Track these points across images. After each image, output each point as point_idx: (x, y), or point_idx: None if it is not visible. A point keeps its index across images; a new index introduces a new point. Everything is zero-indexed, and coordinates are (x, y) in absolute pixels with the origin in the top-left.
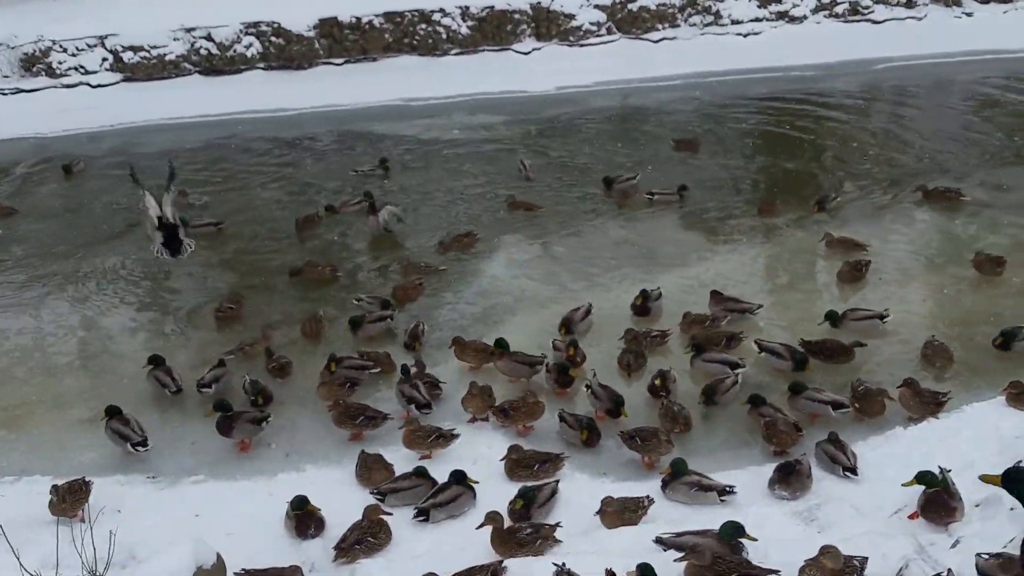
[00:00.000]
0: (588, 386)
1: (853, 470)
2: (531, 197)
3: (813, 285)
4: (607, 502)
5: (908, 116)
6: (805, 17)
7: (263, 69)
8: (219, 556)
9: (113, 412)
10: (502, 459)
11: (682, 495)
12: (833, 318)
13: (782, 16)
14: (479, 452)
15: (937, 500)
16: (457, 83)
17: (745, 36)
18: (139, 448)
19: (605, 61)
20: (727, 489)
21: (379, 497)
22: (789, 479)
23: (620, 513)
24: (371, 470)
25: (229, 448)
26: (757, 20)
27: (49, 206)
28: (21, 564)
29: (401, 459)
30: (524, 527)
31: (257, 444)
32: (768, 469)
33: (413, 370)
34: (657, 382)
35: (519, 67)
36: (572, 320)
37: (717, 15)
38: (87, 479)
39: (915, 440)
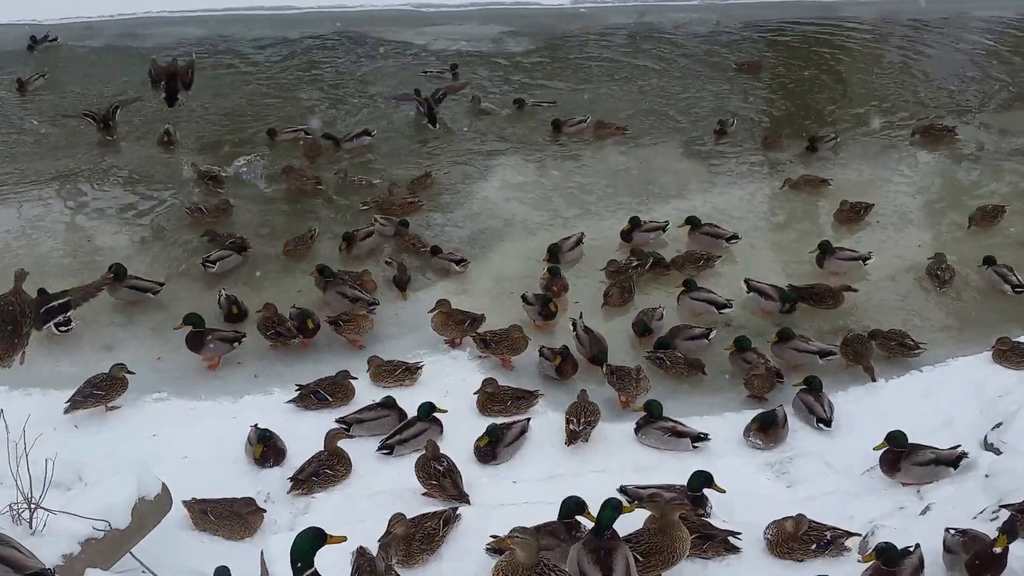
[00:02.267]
0: (573, 325)
1: (828, 422)
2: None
3: (810, 225)
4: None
5: (921, 52)
6: None
7: None
8: (164, 487)
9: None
10: (476, 392)
11: (654, 440)
12: (826, 249)
13: None
14: (452, 384)
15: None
16: None
17: None
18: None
19: None
20: (701, 436)
21: (345, 427)
22: (765, 429)
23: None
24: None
25: (197, 365)
26: None
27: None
28: None
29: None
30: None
31: (226, 362)
32: (745, 417)
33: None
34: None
35: None
36: (560, 248)
37: None
38: None
39: (896, 394)
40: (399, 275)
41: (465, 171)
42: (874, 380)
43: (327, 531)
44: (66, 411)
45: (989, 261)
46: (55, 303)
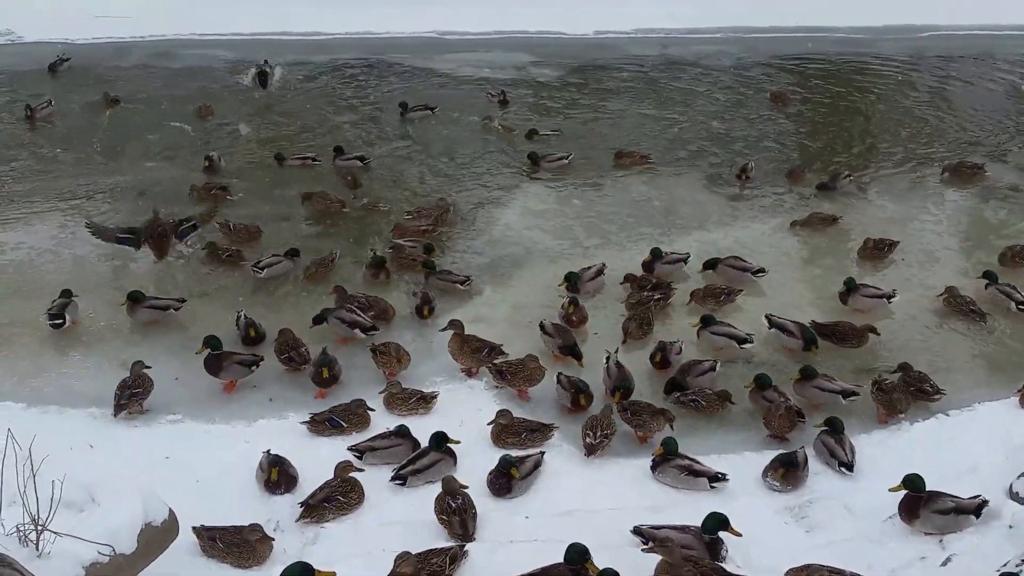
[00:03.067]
0: (607, 358)
1: (849, 466)
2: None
3: (834, 261)
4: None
5: (948, 88)
6: None
7: None
8: (171, 513)
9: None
10: (490, 423)
11: (671, 478)
12: (851, 286)
13: None
14: (467, 413)
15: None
16: (495, 19)
17: None
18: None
19: (647, 8)
20: (718, 476)
21: (356, 454)
22: (785, 471)
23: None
24: (398, 359)
25: (213, 387)
26: None
27: (72, 120)
28: None
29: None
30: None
31: (242, 386)
32: (765, 457)
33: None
34: (658, 357)
35: (560, 8)
36: (580, 278)
37: None
38: None
39: (920, 438)
40: (421, 303)
41: (486, 197)
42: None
43: (316, 566)
44: (115, 415)
45: (990, 277)
46: (187, 225)
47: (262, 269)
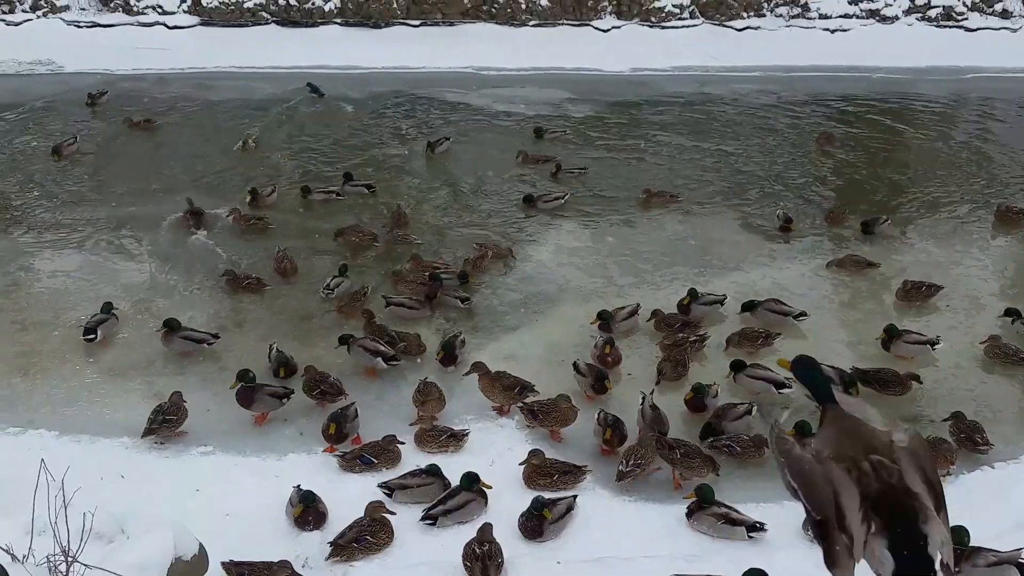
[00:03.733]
0: (643, 399)
1: None
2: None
3: (875, 305)
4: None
5: (992, 131)
6: (897, 18)
7: (339, 24)
8: (201, 547)
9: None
10: (521, 463)
11: (708, 527)
12: (893, 332)
13: (873, 15)
14: (498, 452)
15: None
16: (532, 56)
17: (832, 32)
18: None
19: (685, 45)
20: (757, 525)
21: (386, 492)
22: None
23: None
24: (427, 397)
25: (244, 419)
26: (847, 16)
27: (107, 149)
28: None
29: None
30: None
31: (273, 419)
32: None
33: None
34: (690, 397)
35: (596, 45)
36: (614, 317)
37: (805, 7)
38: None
39: (964, 491)
40: (449, 342)
41: (520, 233)
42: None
43: None
44: (143, 436)
45: (1013, 313)
46: None
47: (332, 290)
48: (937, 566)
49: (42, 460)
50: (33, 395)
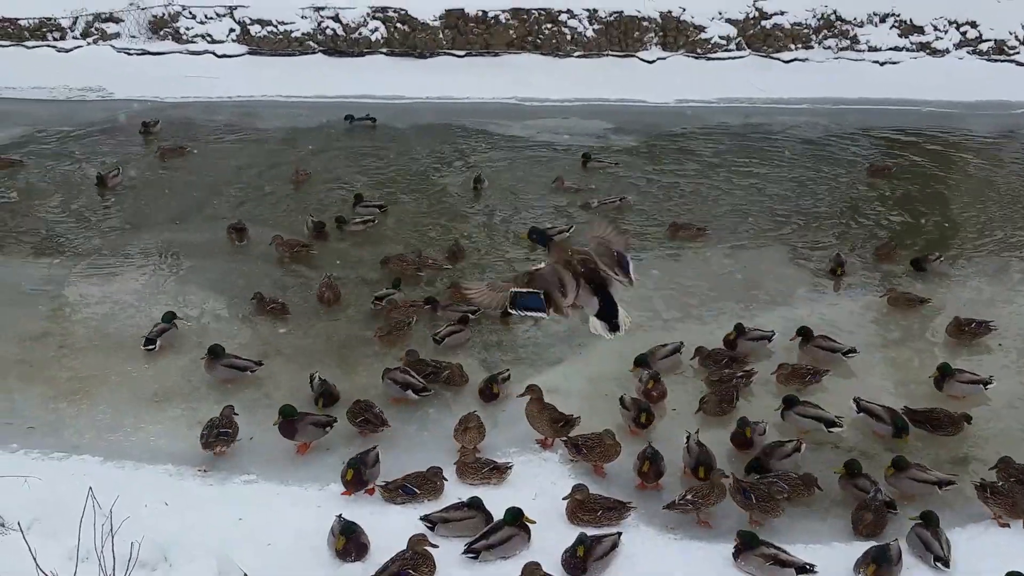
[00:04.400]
0: (687, 437)
1: (945, 562)
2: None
3: (926, 344)
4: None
5: None
6: (947, 51)
7: (385, 54)
8: None
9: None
10: (565, 498)
11: (755, 567)
12: (946, 371)
13: (923, 48)
14: (541, 486)
15: None
16: (576, 86)
17: (882, 65)
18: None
19: (731, 77)
20: (806, 567)
21: (428, 525)
22: (877, 567)
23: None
24: (468, 430)
25: (287, 448)
26: (896, 49)
27: (155, 176)
28: (37, 565)
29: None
30: None
31: (315, 448)
32: (855, 548)
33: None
34: (747, 432)
35: (641, 76)
36: (653, 355)
37: (854, 40)
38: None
39: (1020, 534)
40: (493, 378)
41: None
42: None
43: None
44: (204, 448)
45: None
46: None
47: (442, 339)
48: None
49: (90, 488)
50: (79, 420)
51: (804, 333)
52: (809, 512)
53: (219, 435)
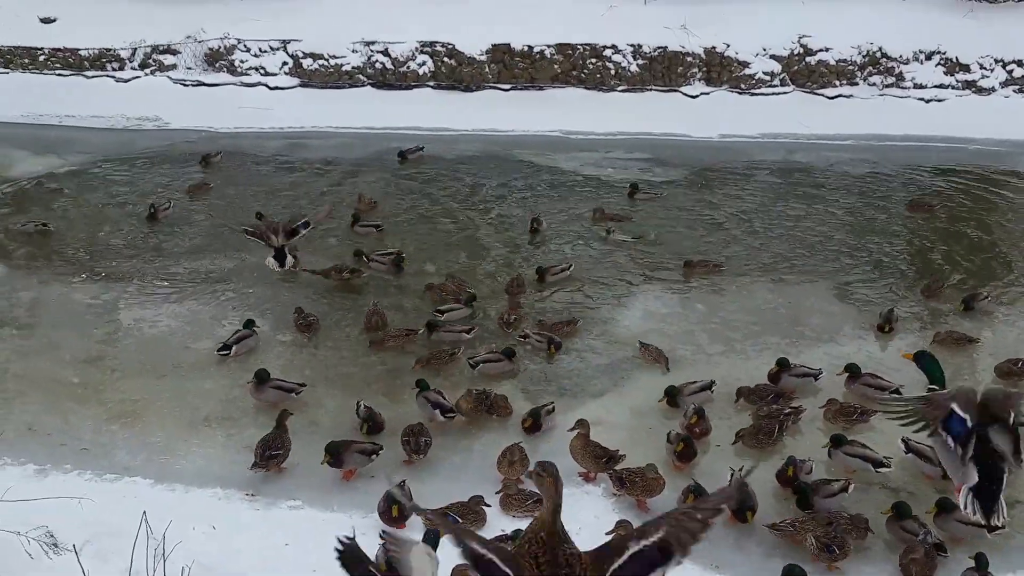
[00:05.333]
0: (732, 474)
1: None
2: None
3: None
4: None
5: None
6: (993, 89)
7: (432, 87)
8: None
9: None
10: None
11: None
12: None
13: (969, 86)
14: (585, 520)
15: None
16: (620, 120)
17: (927, 102)
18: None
19: (774, 112)
20: None
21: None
22: None
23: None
24: (512, 462)
25: (333, 474)
26: (942, 87)
27: (204, 205)
28: None
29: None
30: None
31: (360, 475)
32: None
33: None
34: (790, 471)
35: (685, 110)
36: (680, 391)
37: (900, 77)
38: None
39: None
40: (537, 411)
41: (607, 295)
42: None
43: None
44: (253, 469)
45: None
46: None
47: (477, 364)
48: None
49: (143, 512)
50: (130, 442)
51: (852, 370)
52: (856, 555)
53: (271, 456)
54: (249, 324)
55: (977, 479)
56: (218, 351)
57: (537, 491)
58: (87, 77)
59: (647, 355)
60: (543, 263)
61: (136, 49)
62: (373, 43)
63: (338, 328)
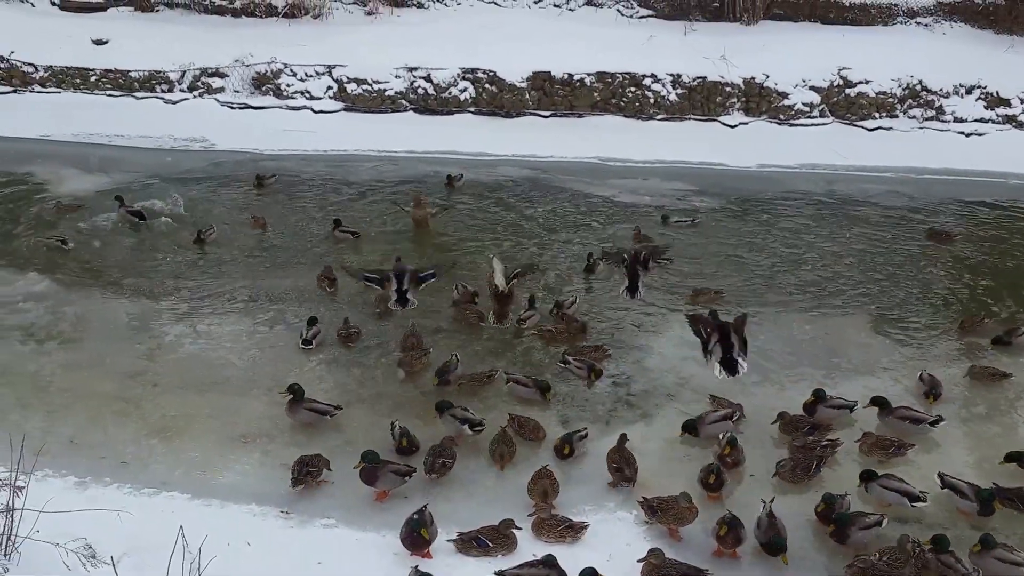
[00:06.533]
0: (763, 505)
1: None
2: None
3: (1015, 419)
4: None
5: None
6: None
7: (473, 113)
8: None
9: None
10: (640, 560)
11: None
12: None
13: (1010, 120)
14: (616, 549)
15: None
16: (658, 149)
17: (967, 136)
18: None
19: (813, 143)
20: None
21: None
22: None
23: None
24: (546, 492)
25: (366, 494)
26: (982, 121)
27: (248, 227)
28: None
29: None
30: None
31: (393, 496)
32: None
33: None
34: (821, 507)
35: (723, 140)
36: (702, 420)
37: (940, 111)
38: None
39: None
40: (569, 436)
41: (641, 322)
42: None
43: None
44: (293, 487)
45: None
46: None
47: (509, 381)
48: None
49: (180, 527)
50: (168, 457)
51: (880, 403)
52: None
53: (307, 473)
54: (313, 320)
55: (721, 354)
56: (302, 345)
57: (568, 517)
58: (137, 98)
59: (719, 407)
60: (560, 295)
61: (185, 72)
62: (416, 69)
63: (379, 347)
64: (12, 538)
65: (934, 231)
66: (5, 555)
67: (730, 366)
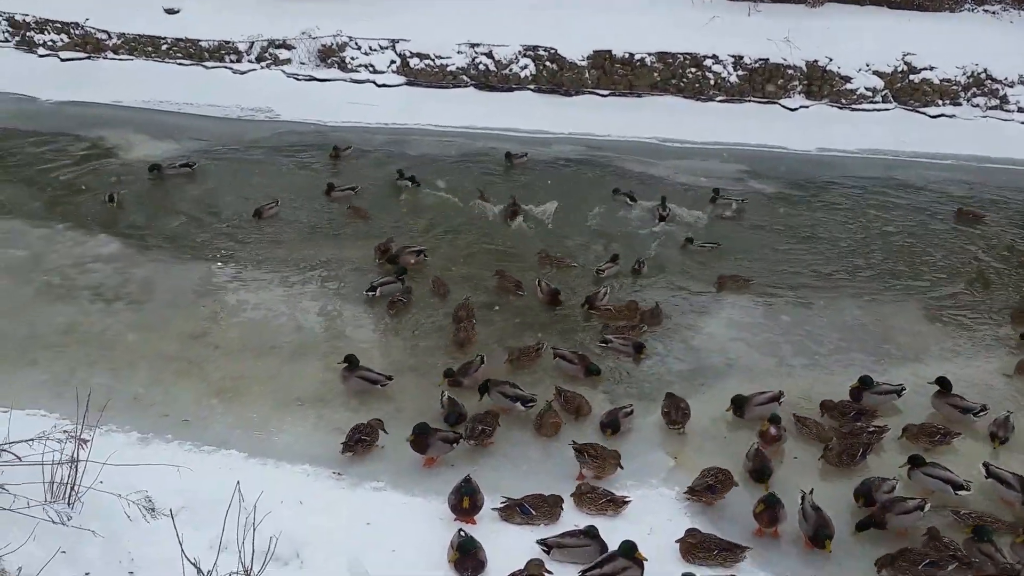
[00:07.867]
0: (802, 499)
1: None
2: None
3: None
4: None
5: None
6: None
7: (532, 90)
8: None
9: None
10: (678, 540)
11: None
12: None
13: None
14: (657, 523)
15: None
16: (716, 130)
17: None
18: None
19: (874, 129)
20: None
21: (544, 549)
22: None
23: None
24: (604, 460)
25: (415, 460)
26: None
27: (311, 199)
28: (183, 551)
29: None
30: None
31: (441, 462)
32: None
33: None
34: (860, 501)
35: (783, 122)
36: (749, 401)
37: (1004, 100)
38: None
39: None
40: (607, 422)
41: (691, 303)
42: None
43: None
44: (343, 452)
45: None
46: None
47: (556, 357)
48: None
49: (237, 482)
50: (227, 417)
51: (942, 383)
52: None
53: (359, 440)
54: (402, 271)
55: None
56: (367, 291)
57: (610, 491)
58: (206, 67)
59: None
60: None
61: (254, 43)
62: (478, 45)
63: (431, 318)
64: (76, 488)
65: (962, 211)
66: (69, 504)
67: None
